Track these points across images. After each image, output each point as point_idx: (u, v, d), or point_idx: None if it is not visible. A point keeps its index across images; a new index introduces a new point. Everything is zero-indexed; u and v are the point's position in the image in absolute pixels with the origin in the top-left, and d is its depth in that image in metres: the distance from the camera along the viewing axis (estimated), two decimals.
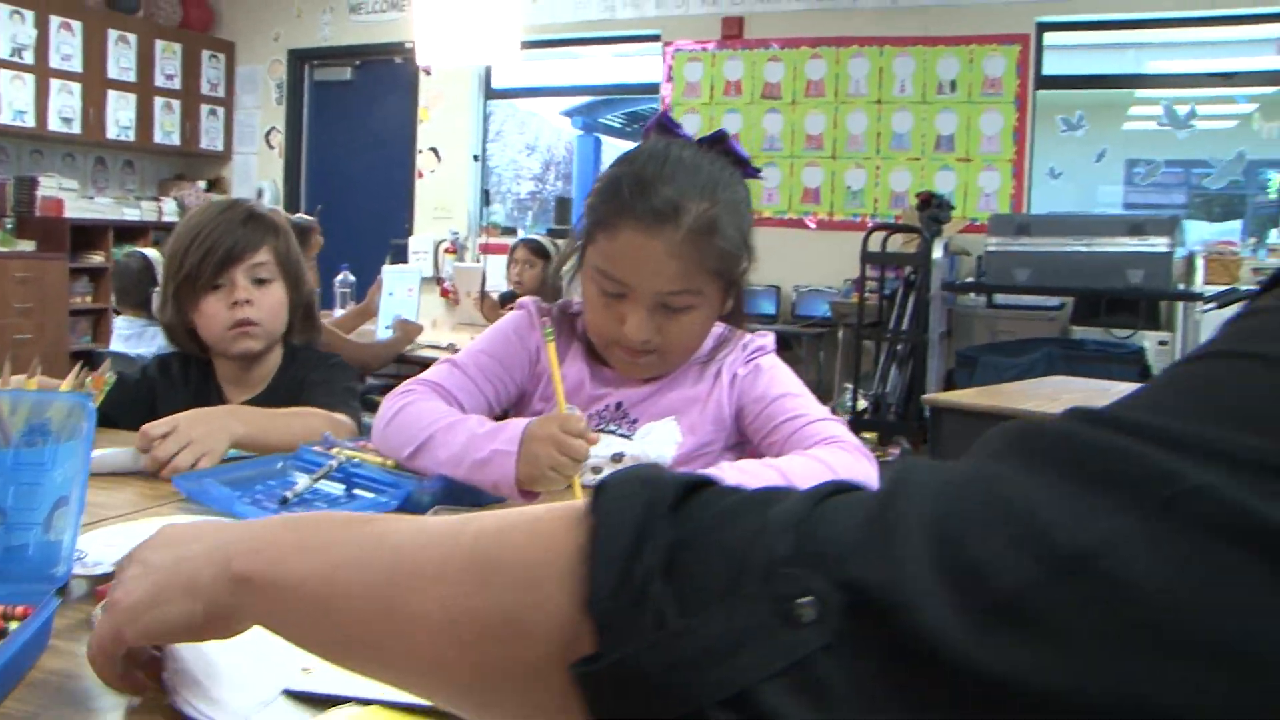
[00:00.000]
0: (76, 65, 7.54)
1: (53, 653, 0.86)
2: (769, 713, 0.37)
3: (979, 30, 6.47)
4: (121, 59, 7.84)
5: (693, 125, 7.05)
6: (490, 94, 8.14)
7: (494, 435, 1.37)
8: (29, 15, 7.19)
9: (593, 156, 10.71)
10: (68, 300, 7.33)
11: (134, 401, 1.87)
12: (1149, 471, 0.35)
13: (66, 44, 7.46)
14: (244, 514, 1.27)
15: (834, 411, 5.72)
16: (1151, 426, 0.36)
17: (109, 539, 1.13)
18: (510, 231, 8.00)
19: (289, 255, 1.95)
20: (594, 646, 0.42)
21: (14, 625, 0.87)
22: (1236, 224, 6.95)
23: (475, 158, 8.01)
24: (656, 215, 1.35)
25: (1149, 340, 5.69)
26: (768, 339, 1.59)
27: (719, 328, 1.55)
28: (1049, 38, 6.51)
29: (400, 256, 7.56)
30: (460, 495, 1.38)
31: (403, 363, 4.23)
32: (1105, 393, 3.16)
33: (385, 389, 1.90)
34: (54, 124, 7.43)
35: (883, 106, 6.73)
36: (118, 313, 3.90)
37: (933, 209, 5.90)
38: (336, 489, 1.44)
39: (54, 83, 7.40)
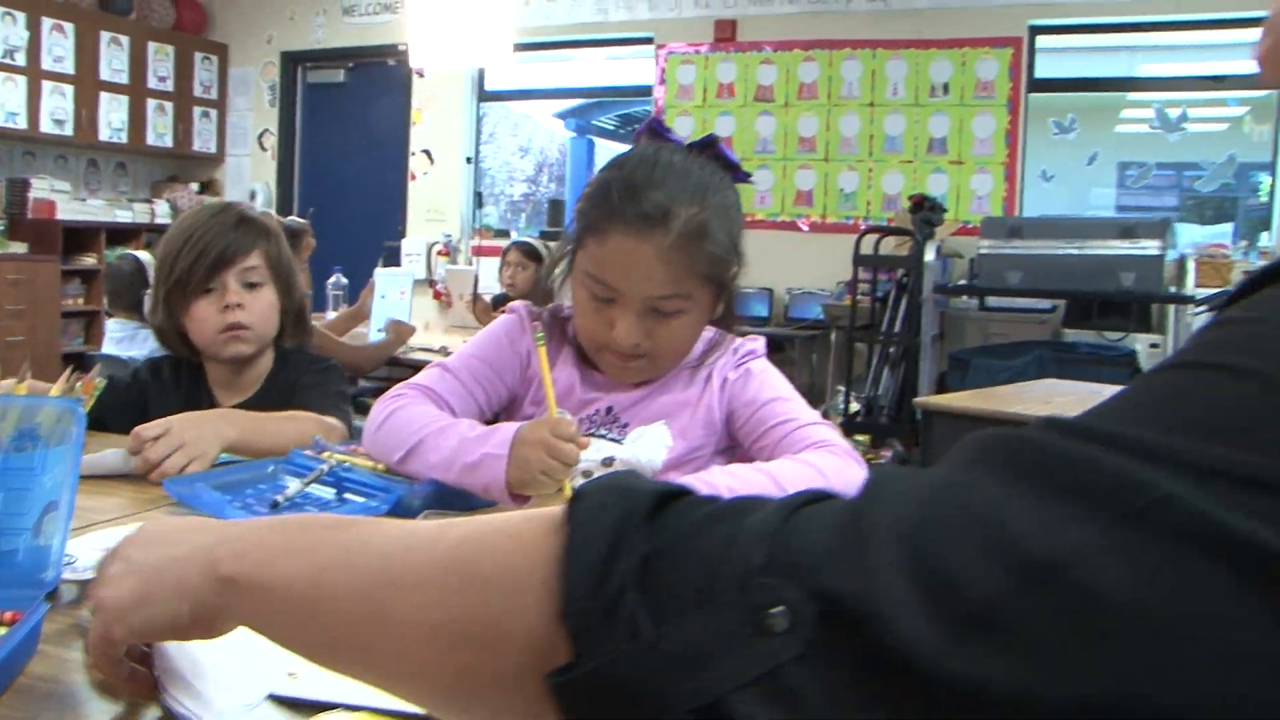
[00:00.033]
0: (69, 67, 7.53)
1: (42, 658, 0.86)
2: None
3: (971, 33, 6.48)
4: (114, 61, 7.83)
5: (686, 128, 7.06)
6: (483, 96, 8.14)
7: (485, 439, 1.37)
8: (21, 17, 7.18)
9: (586, 158, 10.73)
10: (60, 302, 7.31)
11: (125, 405, 1.87)
12: (1119, 482, 0.35)
13: (59, 45, 7.45)
14: (234, 518, 1.27)
15: (826, 414, 5.69)
16: (1122, 437, 0.36)
17: (99, 543, 1.13)
18: (503, 234, 7.99)
19: (280, 259, 1.95)
20: (569, 655, 0.42)
21: (3, 631, 0.86)
22: (1228, 227, 6.97)
23: (468, 160, 8.01)
24: (646, 220, 1.35)
25: (1141, 343, 5.71)
26: (758, 343, 1.59)
27: (709, 332, 1.55)
28: (1041, 41, 6.52)
29: (393, 259, 7.56)
30: (451, 499, 1.38)
31: (395, 365, 4.23)
32: (1096, 395, 3.17)
33: (377, 392, 1.90)
34: (46, 126, 7.42)
35: (875, 109, 6.74)
36: (110, 315, 3.90)
37: (925, 211, 5.91)
38: (327, 493, 1.44)
39: (46, 84, 7.38)
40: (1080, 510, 0.35)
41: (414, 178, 8.10)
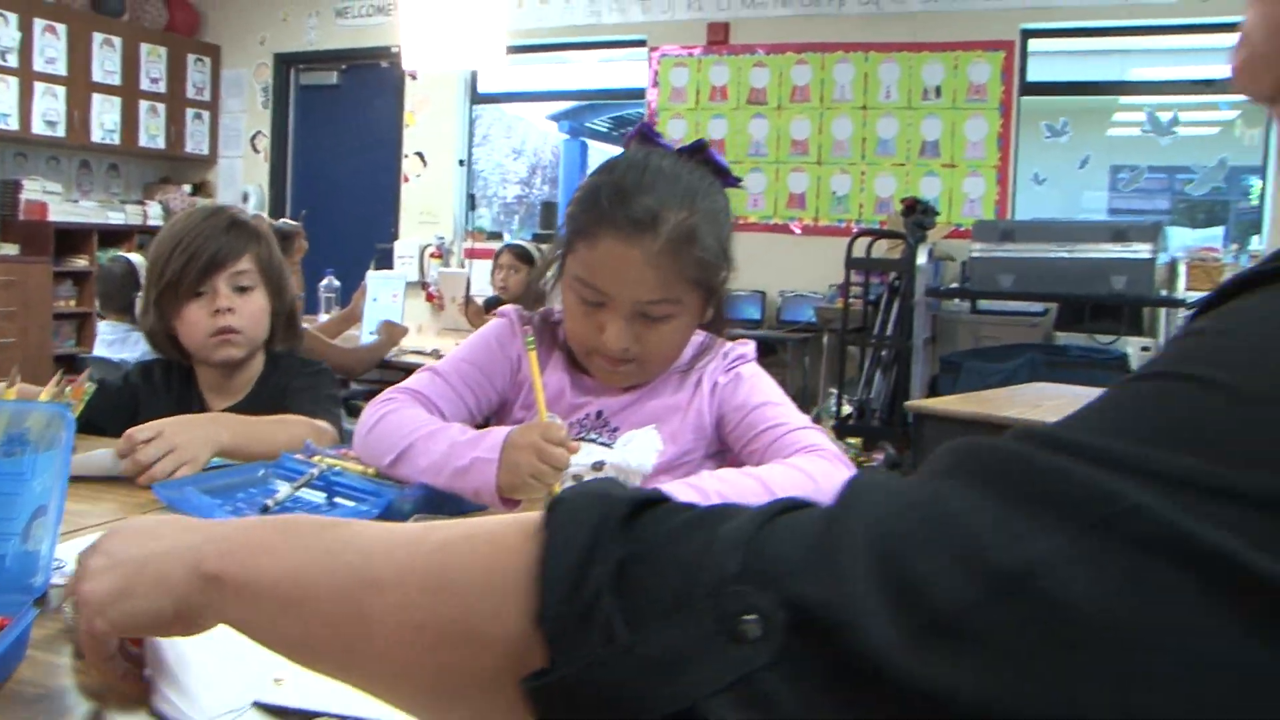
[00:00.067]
0: (61, 68, 7.51)
1: (30, 663, 0.86)
2: None
3: (964, 36, 6.49)
4: (106, 62, 7.82)
5: (678, 130, 7.07)
6: (476, 98, 8.13)
7: (475, 443, 1.37)
8: (13, 18, 7.16)
9: (579, 161, 10.73)
10: (51, 304, 7.30)
11: (116, 408, 1.87)
12: (1088, 492, 0.36)
13: (51, 47, 7.44)
14: None
15: (819, 417, 5.70)
16: (1092, 447, 0.37)
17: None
18: (496, 236, 8.00)
19: (271, 263, 1.95)
20: (545, 659, 0.43)
21: None
22: (1219, 230, 6.99)
23: (461, 162, 8.00)
24: (635, 224, 1.35)
25: (1132, 346, 5.71)
26: (748, 347, 1.60)
27: (699, 336, 1.55)
28: (1034, 44, 6.53)
29: (386, 261, 7.55)
30: (441, 503, 1.38)
31: (386, 368, 4.22)
32: (1087, 398, 3.17)
33: (369, 395, 1.90)
34: (38, 127, 7.40)
35: (868, 112, 6.75)
36: (101, 317, 3.89)
37: (917, 215, 5.91)
38: (318, 497, 1.44)
39: (38, 85, 7.37)
40: (1049, 520, 0.35)
41: (407, 180, 8.10)
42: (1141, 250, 5.37)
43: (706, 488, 1.27)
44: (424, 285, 7.56)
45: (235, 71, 8.66)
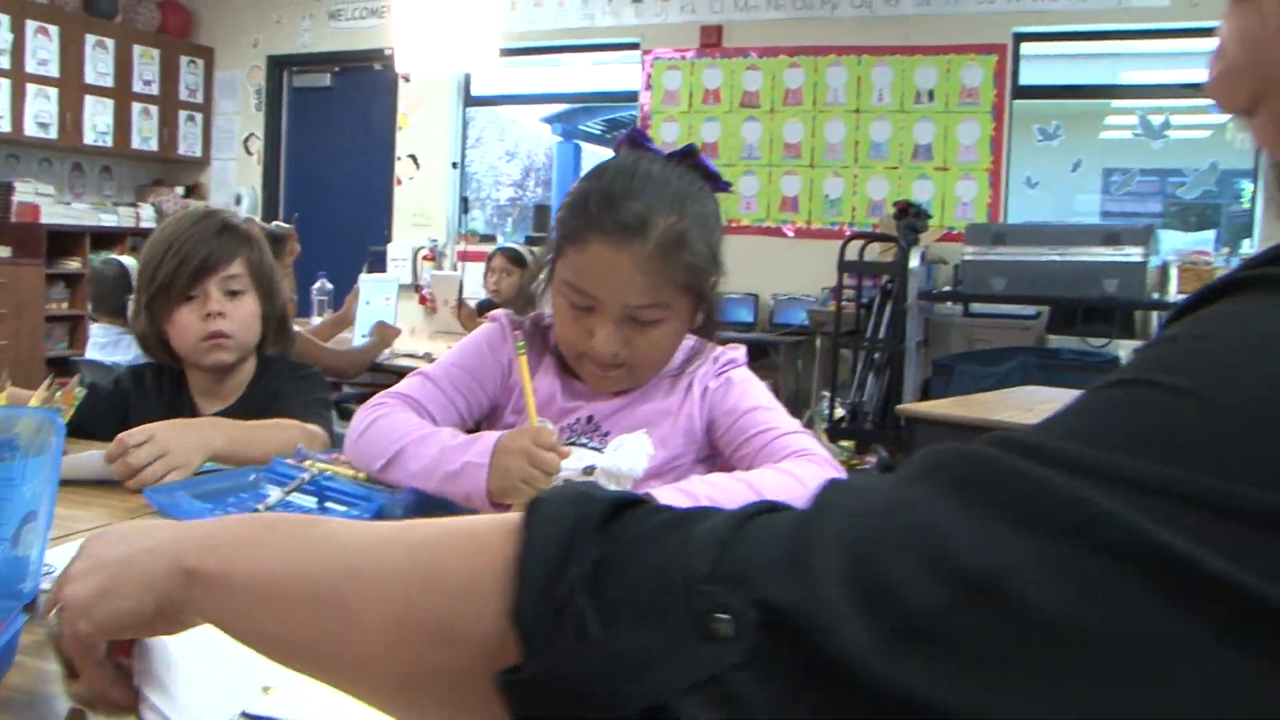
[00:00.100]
0: (53, 70, 7.50)
1: (19, 670, 0.86)
2: None
3: (956, 40, 6.50)
4: (99, 64, 7.81)
5: (671, 133, 7.08)
6: (469, 101, 8.13)
7: (466, 448, 1.38)
8: (5, 19, 7.15)
9: (572, 163, 10.74)
10: (43, 306, 7.27)
11: (107, 412, 1.87)
12: (1059, 499, 0.36)
13: (43, 48, 7.42)
14: None
15: (811, 420, 5.69)
16: (1063, 453, 0.37)
17: None
18: (489, 239, 8.00)
19: (262, 267, 1.95)
20: (520, 656, 0.43)
21: None
22: (1210, 234, 7.01)
23: (454, 165, 8.00)
24: (624, 229, 1.36)
25: (1124, 349, 5.72)
26: (739, 352, 1.60)
27: (690, 340, 1.55)
28: (1026, 48, 6.55)
29: (379, 264, 7.54)
30: (432, 508, 1.38)
31: (379, 371, 4.22)
32: None
33: (361, 398, 1.90)
34: (30, 129, 7.39)
35: (861, 115, 6.76)
36: (94, 320, 3.88)
37: (910, 218, 5.92)
38: (309, 502, 1.44)
39: (30, 87, 7.35)
40: (1020, 526, 0.36)
41: (400, 182, 8.10)
42: (1133, 253, 5.38)
43: (696, 492, 1.27)
44: (417, 288, 7.54)
45: (228, 73, 8.65)
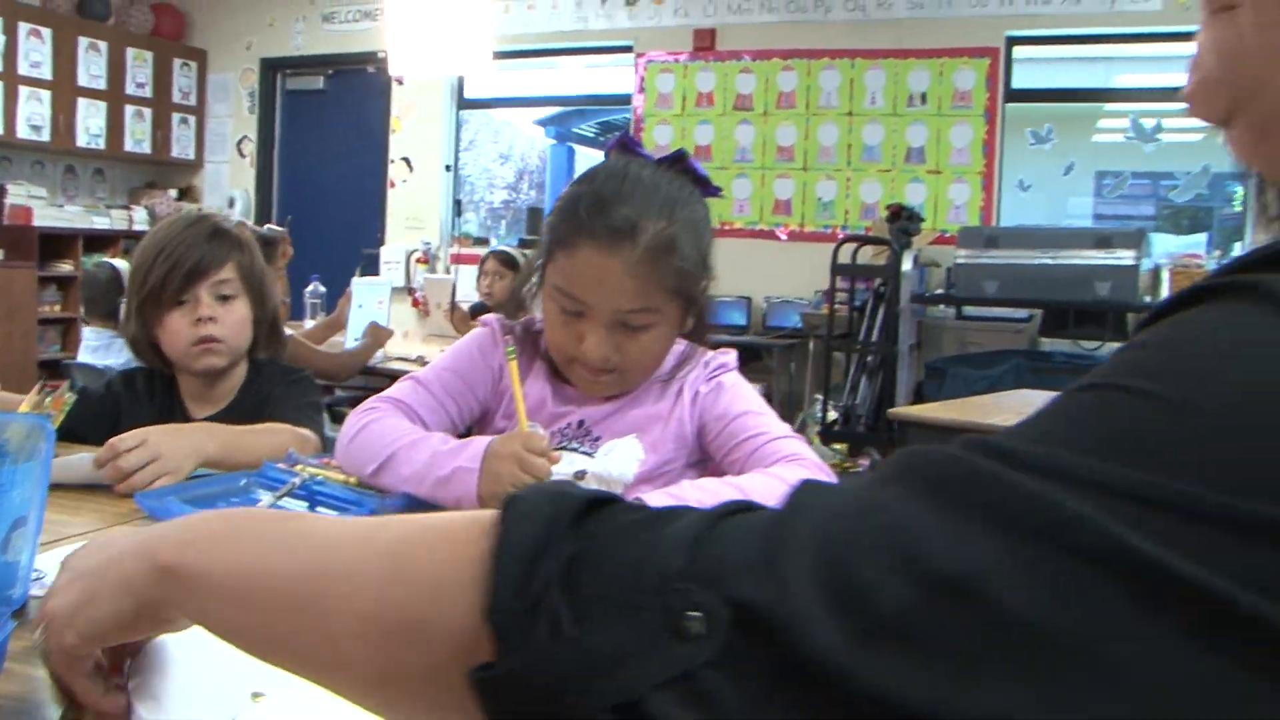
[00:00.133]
0: (46, 72, 7.48)
1: (8, 676, 0.86)
2: None
3: (949, 43, 6.51)
4: (92, 66, 7.79)
5: (665, 136, 7.08)
6: (463, 104, 8.13)
7: (456, 453, 1.38)
8: None
9: (566, 166, 10.74)
10: (36, 309, 7.25)
11: (98, 416, 1.86)
12: (1029, 502, 0.36)
13: (36, 51, 7.41)
14: None
15: (804, 423, 5.68)
16: (1034, 456, 0.38)
17: None
18: (482, 241, 7.99)
19: (254, 271, 1.94)
20: (493, 652, 0.44)
21: None
22: (1202, 237, 7.03)
23: (447, 168, 8.00)
24: (614, 234, 1.36)
25: None
26: (729, 356, 1.60)
27: (680, 345, 1.55)
28: (1018, 51, 6.56)
29: (372, 267, 7.54)
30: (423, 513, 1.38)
31: (371, 375, 4.22)
32: None
33: (354, 401, 1.90)
34: (23, 131, 7.37)
35: (854, 118, 6.77)
36: (86, 323, 3.88)
37: (903, 221, 5.93)
38: (300, 507, 1.44)
39: (23, 89, 7.34)
40: (991, 528, 0.36)
41: (393, 185, 8.09)
42: (1125, 256, 5.39)
43: (687, 496, 1.28)
44: (410, 291, 7.54)
45: (221, 76, 8.64)
